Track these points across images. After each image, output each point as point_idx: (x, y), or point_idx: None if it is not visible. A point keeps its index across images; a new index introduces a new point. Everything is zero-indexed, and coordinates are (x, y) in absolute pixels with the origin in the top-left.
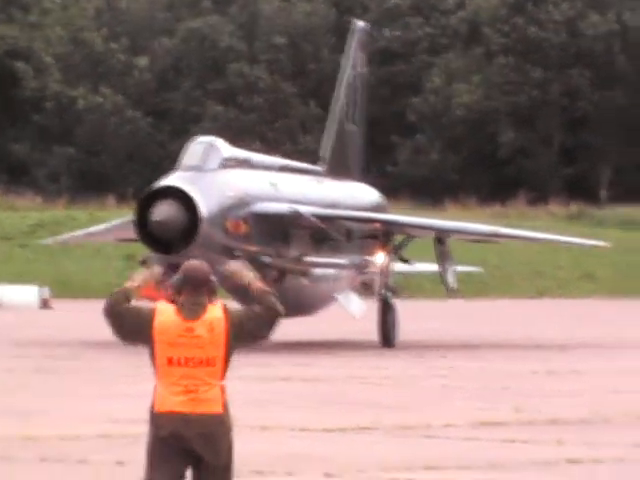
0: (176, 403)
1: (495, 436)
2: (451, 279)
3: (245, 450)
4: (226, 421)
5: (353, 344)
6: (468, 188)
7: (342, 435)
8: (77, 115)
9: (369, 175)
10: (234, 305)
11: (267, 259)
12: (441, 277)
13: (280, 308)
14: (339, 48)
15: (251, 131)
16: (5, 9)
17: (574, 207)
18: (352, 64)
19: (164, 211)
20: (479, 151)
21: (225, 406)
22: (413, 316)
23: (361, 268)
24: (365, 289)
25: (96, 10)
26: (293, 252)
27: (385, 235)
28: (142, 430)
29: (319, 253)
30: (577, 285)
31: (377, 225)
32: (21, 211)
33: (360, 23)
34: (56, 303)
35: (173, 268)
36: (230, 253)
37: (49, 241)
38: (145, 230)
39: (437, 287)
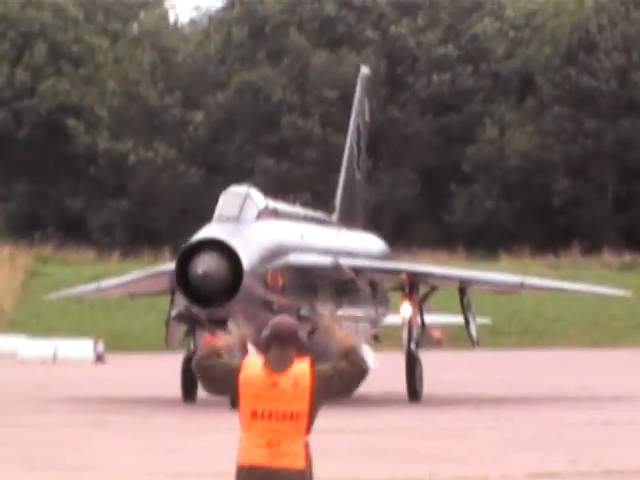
0: (258, 456)
1: None
2: (474, 331)
3: None
4: (307, 477)
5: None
6: (522, 238)
7: None
8: (130, 170)
9: (423, 225)
10: None
11: (305, 312)
12: (466, 329)
13: (367, 364)
14: (391, 99)
15: (303, 184)
16: (55, 62)
17: (628, 256)
18: (359, 111)
19: (207, 264)
20: (533, 200)
21: (308, 461)
22: (458, 366)
23: (376, 321)
24: (375, 341)
25: (151, 64)
26: (323, 304)
27: (411, 286)
28: None
29: (341, 305)
30: (632, 334)
31: (403, 276)
32: (75, 265)
33: (364, 69)
34: (110, 357)
35: (214, 323)
36: (269, 307)
37: (53, 296)
38: (186, 283)
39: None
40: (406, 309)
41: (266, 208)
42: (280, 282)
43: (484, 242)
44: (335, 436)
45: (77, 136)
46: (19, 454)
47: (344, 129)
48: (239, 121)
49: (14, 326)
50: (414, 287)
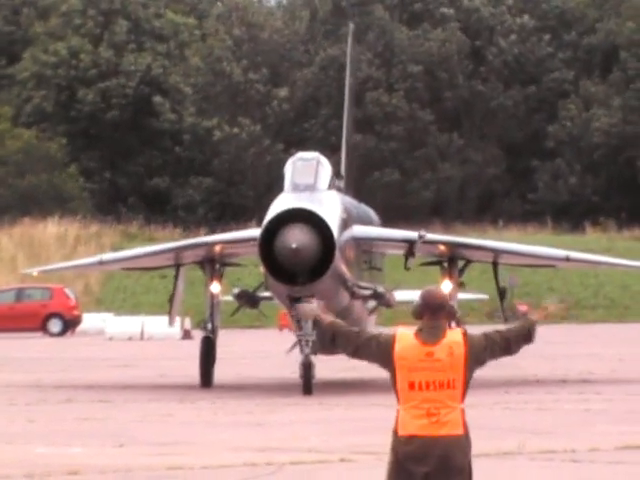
0: (418, 426)
1: None
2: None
3: None
4: (466, 443)
5: None
6: (608, 211)
7: (486, 460)
8: (215, 146)
9: (509, 201)
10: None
11: (382, 290)
12: (500, 305)
13: (530, 339)
14: (475, 75)
15: (389, 160)
16: (137, 39)
17: None
18: (352, 69)
19: (299, 237)
20: (619, 175)
21: (465, 428)
22: (547, 339)
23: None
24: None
25: (235, 40)
26: (375, 280)
27: (450, 260)
28: (284, 459)
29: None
30: None
31: (442, 249)
32: (162, 242)
33: (351, 25)
34: (197, 333)
35: (294, 301)
36: (345, 285)
37: (33, 271)
38: (270, 257)
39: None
40: (447, 285)
41: (333, 176)
42: (352, 257)
43: (570, 216)
44: None
45: (163, 113)
46: (109, 429)
47: (429, 105)
48: (324, 97)
49: (101, 304)
50: (453, 261)
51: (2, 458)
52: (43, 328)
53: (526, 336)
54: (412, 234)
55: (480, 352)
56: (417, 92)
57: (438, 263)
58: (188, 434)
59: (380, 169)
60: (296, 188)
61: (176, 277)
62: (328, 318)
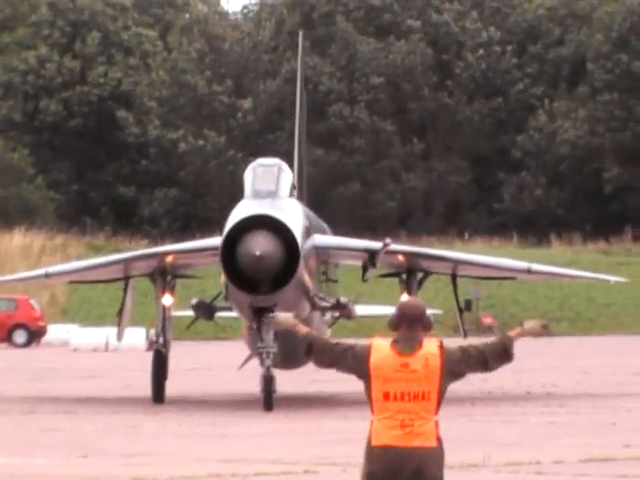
0: (392, 437)
1: (606, 472)
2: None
3: None
4: (440, 455)
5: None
6: (573, 224)
7: (451, 472)
8: (180, 158)
9: (475, 212)
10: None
11: (345, 300)
12: (459, 318)
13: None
14: (439, 86)
15: (353, 173)
16: (106, 51)
17: None
18: (302, 78)
19: (262, 244)
20: (584, 187)
21: (439, 440)
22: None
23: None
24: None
25: (198, 53)
26: (330, 292)
27: (409, 272)
28: (249, 470)
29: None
30: None
31: (401, 259)
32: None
33: (300, 33)
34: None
35: (256, 311)
36: (307, 294)
37: None
38: (231, 265)
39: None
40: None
41: (293, 183)
42: (314, 266)
43: (536, 229)
44: None
45: (127, 127)
46: (73, 440)
47: (391, 116)
48: (288, 109)
49: (66, 315)
50: (412, 273)
51: None
52: (8, 339)
53: (503, 353)
54: (374, 244)
55: (455, 365)
56: (380, 104)
57: (396, 275)
58: (153, 445)
59: (343, 182)
60: (257, 195)
61: (125, 290)
62: (304, 328)
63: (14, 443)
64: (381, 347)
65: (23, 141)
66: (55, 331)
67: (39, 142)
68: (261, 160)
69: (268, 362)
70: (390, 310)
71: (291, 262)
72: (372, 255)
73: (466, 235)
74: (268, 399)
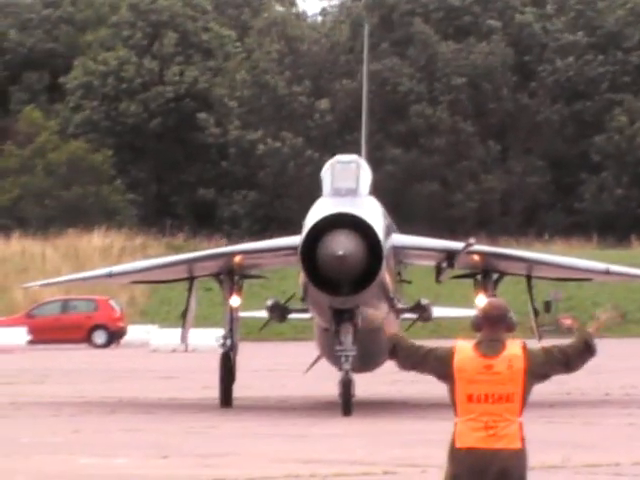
0: (476, 439)
1: None
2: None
3: None
4: (524, 456)
5: None
6: None
7: (530, 474)
8: (259, 159)
9: (554, 213)
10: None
11: (425, 301)
12: (534, 321)
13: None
14: (519, 87)
15: (431, 173)
16: (184, 52)
17: None
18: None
19: (346, 244)
20: None
21: (523, 442)
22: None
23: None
24: None
25: (279, 53)
26: (402, 293)
27: (485, 273)
28: (328, 470)
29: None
30: None
31: (477, 259)
32: None
33: (366, 25)
34: (241, 345)
35: (337, 314)
36: (387, 296)
37: (34, 284)
38: (313, 265)
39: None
40: (481, 301)
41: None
42: (392, 267)
43: (616, 229)
44: None
45: (207, 127)
46: (153, 441)
47: (472, 117)
48: (366, 110)
49: (146, 315)
50: (488, 274)
51: (46, 469)
52: (88, 340)
53: (585, 349)
54: (452, 244)
55: (539, 366)
56: (460, 104)
57: (471, 276)
58: (232, 446)
59: (421, 182)
60: (337, 193)
61: (189, 290)
62: (390, 330)
63: (95, 443)
64: (464, 349)
65: (106, 143)
66: (134, 332)
67: (121, 144)
68: (339, 157)
69: (347, 366)
70: (468, 312)
71: (374, 263)
72: (450, 255)
73: (546, 236)
74: (347, 404)
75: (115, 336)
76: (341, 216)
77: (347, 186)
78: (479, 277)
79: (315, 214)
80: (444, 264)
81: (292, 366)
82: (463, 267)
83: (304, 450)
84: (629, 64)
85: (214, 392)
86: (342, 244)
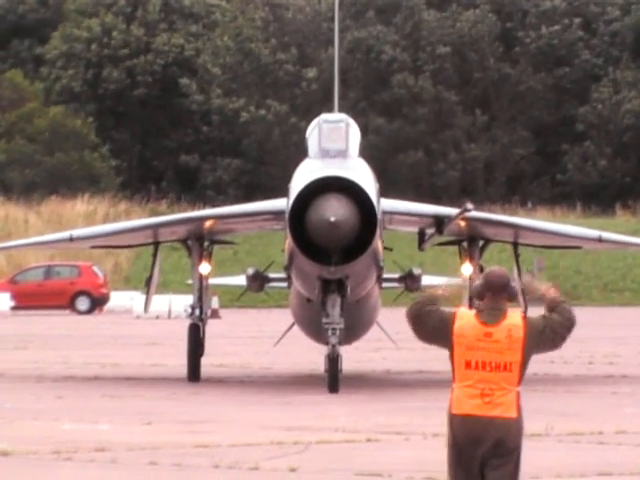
0: (472, 406)
1: None
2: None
3: (417, 457)
4: (519, 426)
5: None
6: (638, 194)
7: None
8: (243, 126)
9: (538, 183)
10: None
11: (417, 271)
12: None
13: (574, 316)
14: (503, 56)
15: (415, 142)
16: (167, 18)
17: None
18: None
19: (337, 209)
20: None
21: (519, 411)
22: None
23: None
24: None
25: (263, 21)
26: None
27: (471, 240)
28: (312, 438)
29: None
30: None
31: (462, 226)
32: None
33: None
34: (224, 312)
35: (325, 284)
36: (378, 264)
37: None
38: (301, 232)
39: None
40: (467, 269)
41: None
42: (382, 233)
43: (600, 199)
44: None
45: (190, 94)
46: (136, 407)
47: (456, 86)
48: (351, 80)
49: (129, 282)
50: (474, 241)
51: (29, 434)
52: (71, 306)
53: (567, 319)
54: (443, 209)
55: (540, 334)
56: (445, 73)
57: (456, 243)
58: (215, 412)
59: (405, 151)
60: (326, 154)
61: (154, 256)
62: None
63: (78, 409)
64: (465, 315)
65: (85, 109)
66: (118, 298)
67: (102, 110)
68: (326, 115)
69: (334, 340)
70: (452, 281)
71: (367, 230)
72: (439, 221)
73: (529, 204)
74: (333, 380)
75: (98, 302)
76: (332, 179)
77: (336, 147)
78: (464, 244)
79: (303, 177)
80: (430, 230)
81: (275, 334)
82: (447, 234)
83: (288, 417)
84: (610, 32)
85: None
86: (334, 209)
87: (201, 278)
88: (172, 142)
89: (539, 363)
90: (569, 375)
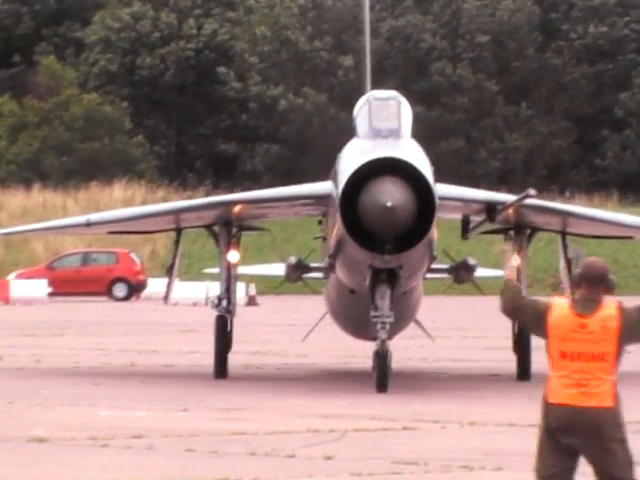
0: (568, 396)
1: None
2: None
3: (454, 445)
4: (617, 415)
5: None
6: None
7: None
8: (281, 114)
9: (576, 171)
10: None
11: (472, 261)
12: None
13: None
14: (544, 46)
15: (455, 131)
16: (203, 5)
17: None
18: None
19: (395, 193)
20: None
21: (616, 400)
22: None
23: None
24: None
25: (300, 8)
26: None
27: (518, 228)
28: (348, 425)
29: None
30: None
31: (509, 213)
32: None
33: None
34: (262, 299)
35: (376, 274)
36: (432, 254)
37: (4, 231)
38: (353, 219)
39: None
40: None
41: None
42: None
43: (637, 187)
44: (488, 381)
45: (228, 82)
46: (173, 394)
47: (495, 75)
48: (390, 68)
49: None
50: (521, 229)
51: (66, 420)
52: (108, 292)
53: None
54: (496, 195)
55: (634, 326)
56: (484, 62)
57: (502, 231)
58: (251, 400)
59: (446, 139)
60: (377, 134)
61: (177, 243)
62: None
63: (115, 396)
64: (560, 306)
65: (121, 94)
66: (155, 285)
67: (138, 96)
68: (376, 92)
69: (383, 334)
70: (495, 272)
71: (425, 216)
72: (490, 208)
73: (567, 193)
74: (383, 379)
75: (135, 289)
76: (387, 160)
77: (389, 126)
78: (511, 232)
79: (353, 158)
80: (476, 218)
81: (312, 321)
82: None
83: (324, 405)
84: None
85: (235, 346)
86: (390, 193)
87: (229, 267)
88: (208, 129)
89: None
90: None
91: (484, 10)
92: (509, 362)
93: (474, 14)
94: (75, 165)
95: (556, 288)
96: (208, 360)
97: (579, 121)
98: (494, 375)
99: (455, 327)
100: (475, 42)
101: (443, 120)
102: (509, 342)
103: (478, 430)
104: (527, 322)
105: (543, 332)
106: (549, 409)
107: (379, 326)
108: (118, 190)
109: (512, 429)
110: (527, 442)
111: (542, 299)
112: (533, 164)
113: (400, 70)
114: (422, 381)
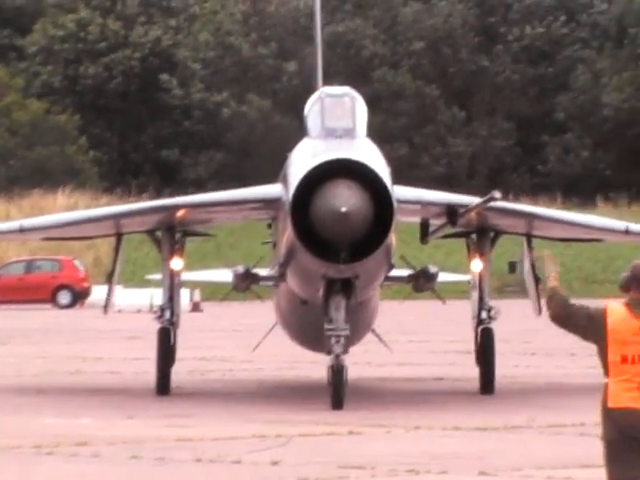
0: (630, 399)
1: None
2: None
3: (399, 449)
4: None
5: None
6: (619, 186)
7: (495, 434)
8: (224, 121)
9: (519, 175)
10: None
11: (434, 269)
12: (535, 291)
13: None
14: (482, 49)
15: (398, 136)
16: (146, 12)
17: None
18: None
19: (350, 198)
20: (630, 149)
21: None
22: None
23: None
24: None
25: (243, 15)
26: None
27: (480, 231)
28: (294, 431)
29: None
30: None
31: (472, 216)
32: None
33: None
34: (206, 306)
35: (330, 284)
36: (389, 261)
37: None
38: (304, 226)
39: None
40: (476, 265)
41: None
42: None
43: (581, 191)
44: (435, 383)
45: (171, 89)
46: (118, 401)
47: (435, 80)
48: (332, 74)
49: None
50: (484, 232)
51: (11, 429)
52: (52, 300)
53: None
54: (456, 198)
55: None
56: (422, 68)
57: (463, 235)
58: (198, 406)
59: (390, 144)
60: (330, 133)
61: (116, 250)
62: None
63: (60, 403)
64: (618, 310)
65: (64, 103)
66: (99, 292)
67: (81, 104)
68: (328, 89)
69: (339, 348)
70: (459, 277)
71: (382, 221)
72: (451, 212)
73: (510, 197)
74: (338, 394)
75: (80, 296)
76: (341, 162)
77: (342, 125)
78: (473, 236)
79: (305, 160)
80: (435, 221)
81: (258, 328)
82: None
83: (270, 410)
84: (595, 26)
85: (179, 352)
86: (345, 198)
87: (172, 274)
88: (152, 136)
89: (521, 353)
90: (550, 366)
91: (422, 15)
92: (454, 365)
93: (411, 20)
94: (20, 172)
95: (502, 291)
96: (153, 367)
97: (520, 123)
98: (439, 379)
99: (404, 331)
100: (411, 49)
101: (386, 126)
102: (455, 346)
103: (424, 434)
104: (581, 328)
105: (601, 338)
106: (610, 415)
107: (333, 340)
108: (62, 197)
109: (458, 433)
110: (473, 446)
111: (592, 303)
112: (475, 168)
113: (343, 75)
114: (367, 385)
